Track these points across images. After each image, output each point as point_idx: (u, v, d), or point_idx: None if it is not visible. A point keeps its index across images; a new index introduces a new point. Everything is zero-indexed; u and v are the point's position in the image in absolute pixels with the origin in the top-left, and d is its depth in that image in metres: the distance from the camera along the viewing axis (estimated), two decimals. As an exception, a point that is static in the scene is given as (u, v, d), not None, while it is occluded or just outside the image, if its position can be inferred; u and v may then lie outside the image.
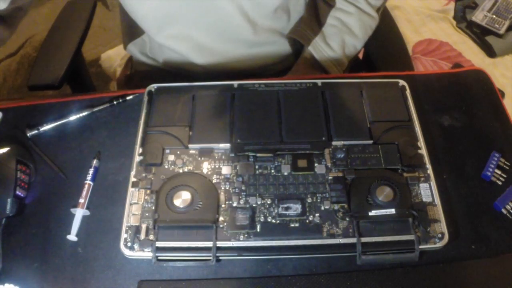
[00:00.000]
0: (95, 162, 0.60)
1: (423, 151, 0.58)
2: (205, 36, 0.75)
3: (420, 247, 0.51)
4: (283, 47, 0.82)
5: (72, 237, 0.54)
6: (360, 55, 0.90)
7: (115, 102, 0.65)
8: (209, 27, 0.74)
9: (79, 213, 0.55)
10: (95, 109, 0.65)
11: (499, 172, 0.59)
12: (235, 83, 0.64)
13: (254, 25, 0.75)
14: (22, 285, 0.51)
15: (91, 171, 0.58)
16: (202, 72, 0.80)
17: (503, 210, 0.57)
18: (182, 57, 0.78)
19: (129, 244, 0.52)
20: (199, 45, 0.76)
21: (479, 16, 1.65)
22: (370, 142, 0.59)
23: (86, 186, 0.57)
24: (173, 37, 0.75)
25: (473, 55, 1.62)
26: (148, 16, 0.73)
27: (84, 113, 0.64)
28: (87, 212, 0.56)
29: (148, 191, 0.55)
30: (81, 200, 0.56)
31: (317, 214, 0.53)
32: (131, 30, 0.84)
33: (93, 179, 0.58)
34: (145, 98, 0.63)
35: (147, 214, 0.53)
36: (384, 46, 0.88)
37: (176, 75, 0.82)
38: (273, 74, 0.82)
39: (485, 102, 0.67)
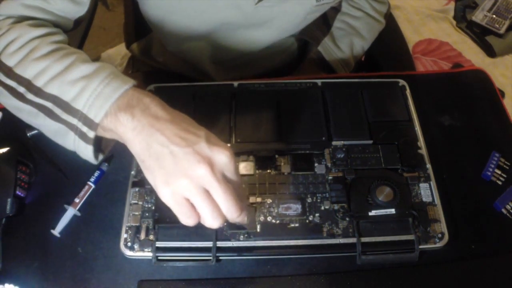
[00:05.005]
0: (103, 165, 0.59)
1: (423, 151, 0.58)
2: (214, 33, 0.71)
3: (420, 247, 0.51)
4: (291, 48, 0.82)
5: (55, 232, 0.54)
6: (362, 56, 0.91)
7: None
8: (220, 23, 0.69)
9: (70, 211, 0.55)
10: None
11: (499, 172, 0.59)
12: (235, 83, 0.64)
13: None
14: (22, 285, 0.51)
15: (96, 173, 0.58)
16: (206, 78, 0.78)
17: (503, 210, 0.57)
18: (188, 59, 0.77)
19: (129, 244, 0.52)
20: (207, 44, 0.73)
21: (479, 16, 1.65)
22: (370, 142, 0.59)
23: (86, 187, 0.57)
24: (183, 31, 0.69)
25: (473, 55, 1.62)
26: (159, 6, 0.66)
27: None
28: (78, 213, 0.56)
29: (148, 191, 0.55)
30: (77, 200, 0.56)
31: (317, 214, 0.53)
32: (137, 30, 0.84)
33: (95, 182, 0.58)
34: (145, 98, 0.62)
35: (147, 214, 0.53)
36: (386, 46, 0.88)
37: (179, 77, 0.82)
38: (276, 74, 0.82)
39: (485, 102, 0.67)
